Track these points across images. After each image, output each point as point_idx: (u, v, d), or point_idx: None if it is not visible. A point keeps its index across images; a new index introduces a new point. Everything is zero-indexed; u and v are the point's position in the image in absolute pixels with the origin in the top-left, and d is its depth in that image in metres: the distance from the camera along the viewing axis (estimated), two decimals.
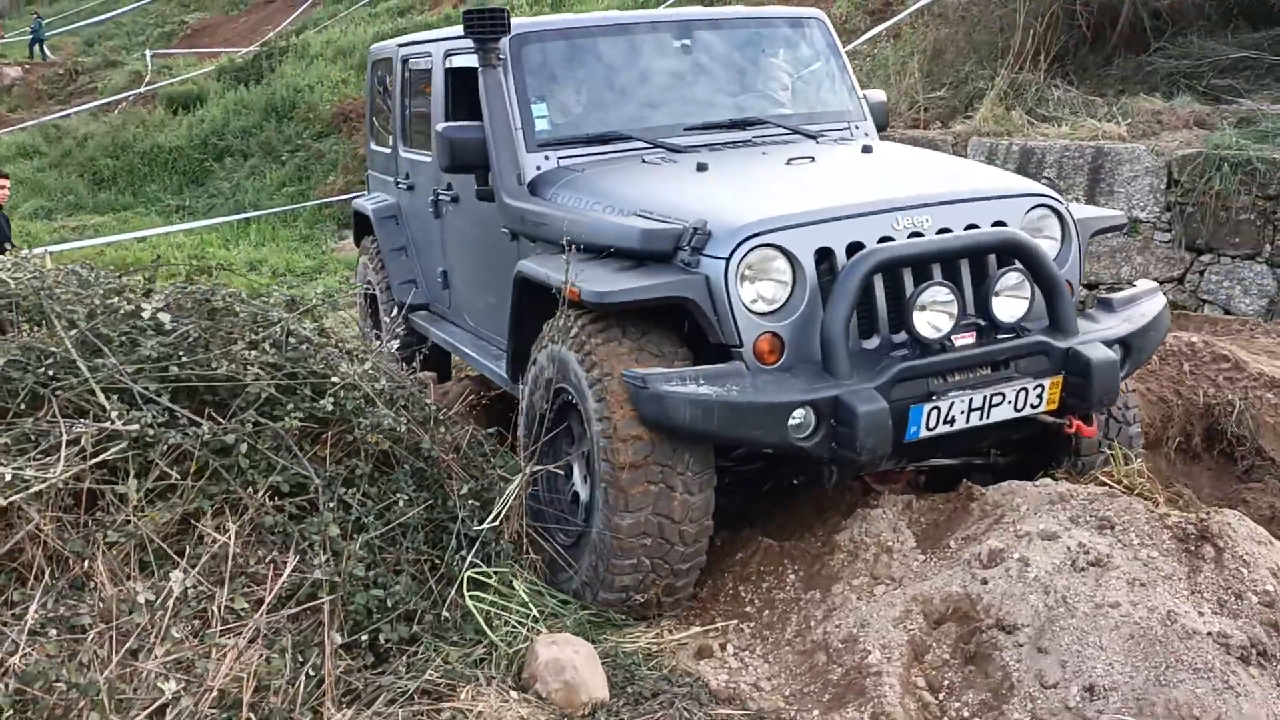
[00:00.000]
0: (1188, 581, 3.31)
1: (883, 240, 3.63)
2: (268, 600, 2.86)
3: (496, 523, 3.59)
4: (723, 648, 3.56)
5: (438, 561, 3.53)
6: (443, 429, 3.97)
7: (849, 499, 4.06)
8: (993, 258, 3.76)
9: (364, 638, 3.14)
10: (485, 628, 3.23)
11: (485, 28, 4.44)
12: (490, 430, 4.17)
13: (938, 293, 3.57)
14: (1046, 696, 3.07)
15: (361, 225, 6.75)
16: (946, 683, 3.23)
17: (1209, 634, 3.11)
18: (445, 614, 3.29)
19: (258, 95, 19.52)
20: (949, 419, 3.57)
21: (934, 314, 3.58)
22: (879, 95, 5.36)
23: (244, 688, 2.64)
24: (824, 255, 3.61)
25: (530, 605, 3.38)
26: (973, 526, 3.66)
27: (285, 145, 18.06)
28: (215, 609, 2.82)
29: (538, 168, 4.49)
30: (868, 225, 3.66)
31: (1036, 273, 3.71)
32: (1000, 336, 3.70)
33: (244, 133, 18.79)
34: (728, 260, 3.50)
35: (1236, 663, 3.06)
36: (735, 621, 3.68)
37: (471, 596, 3.32)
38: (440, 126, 4.62)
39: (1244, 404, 5.10)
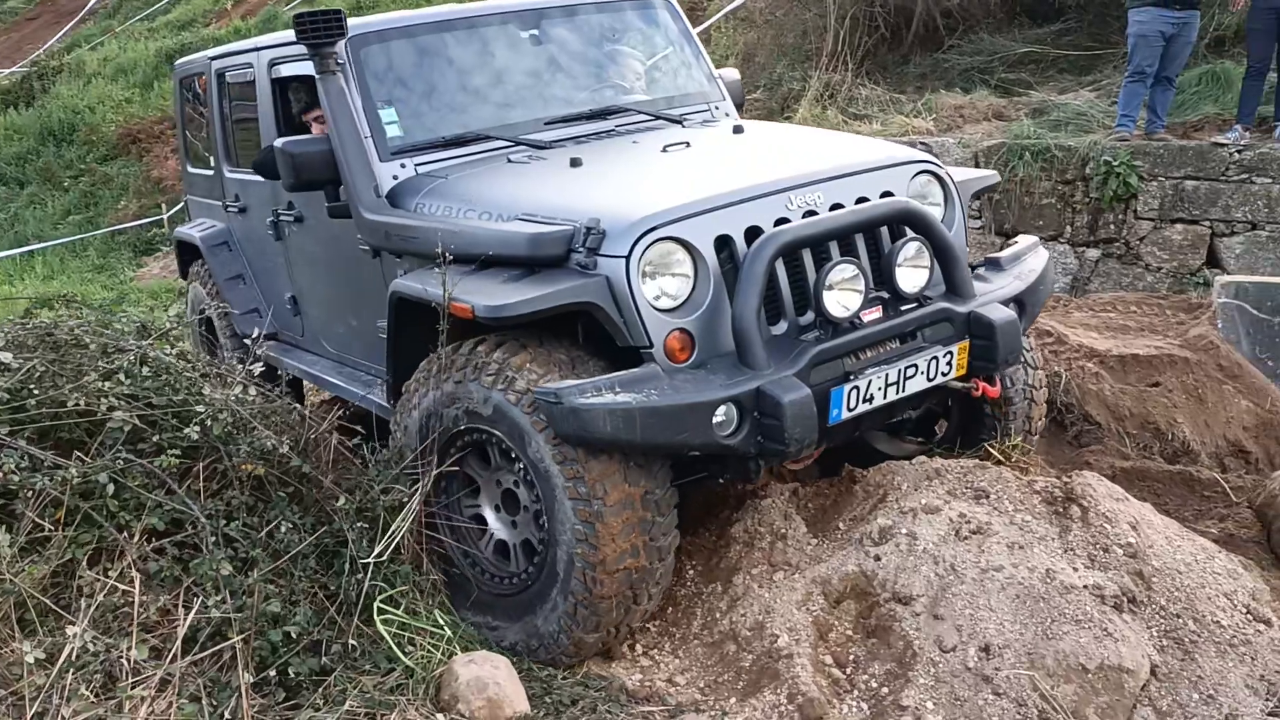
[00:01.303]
0: (1060, 541, 3.53)
1: (779, 222, 3.53)
2: (177, 646, 2.71)
3: (389, 547, 3.49)
4: (631, 648, 3.59)
5: (333, 588, 3.41)
6: (316, 448, 3.82)
7: (735, 491, 4.14)
8: (884, 229, 3.72)
9: (273, 674, 3.01)
10: (399, 653, 3.15)
11: (319, 31, 4.08)
12: (355, 441, 3.97)
13: (845, 270, 3.48)
14: (947, 660, 3.23)
15: (187, 254, 6.31)
16: (853, 657, 3.36)
17: (1085, 587, 3.34)
18: (354, 642, 3.19)
19: (30, 119, 18.24)
20: (868, 397, 3.52)
21: (842, 292, 3.50)
22: (733, 74, 5.23)
23: None
24: (723, 243, 3.48)
25: (444, 627, 3.30)
26: (858, 507, 3.81)
27: (67, 171, 16.96)
28: (124, 661, 2.65)
29: (394, 177, 4.20)
30: (763, 208, 3.55)
31: (931, 240, 3.68)
32: (904, 308, 3.66)
33: (18, 159, 17.53)
34: (628, 258, 3.32)
35: (1111, 611, 3.30)
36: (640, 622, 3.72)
37: (381, 621, 3.23)
38: (280, 143, 4.25)
39: (1069, 375, 5.47)
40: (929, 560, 3.44)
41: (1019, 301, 3.91)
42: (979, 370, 3.80)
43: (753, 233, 3.50)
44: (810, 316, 3.56)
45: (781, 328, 3.55)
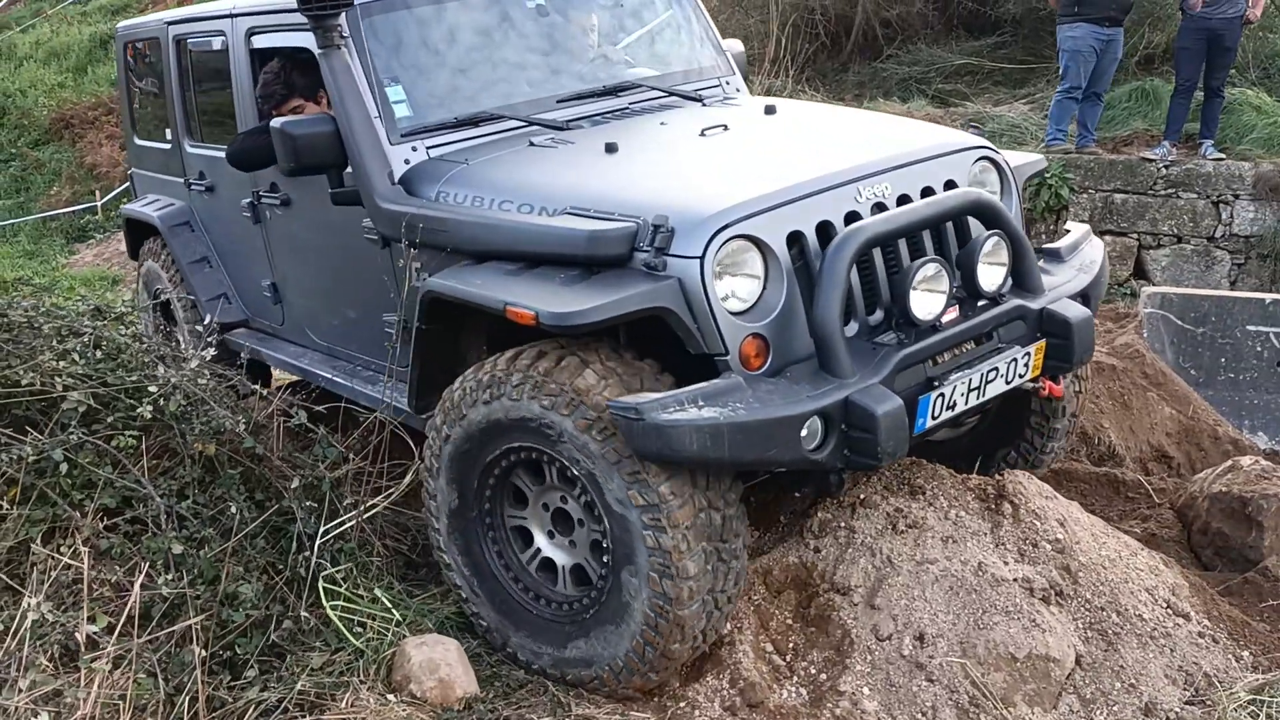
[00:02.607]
0: (992, 536, 3.66)
1: (850, 216, 3.28)
2: (129, 621, 2.73)
3: (341, 528, 3.53)
4: None
5: (280, 565, 3.44)
6: (267, 427, 3.83)
7: None
8: (950, 223, 3.49)
9: (223, 652, 3.05)
10: (349, 635, 3.19)
11: (324, 1, 3.69)
12: (299, 424, 3.82)
13: (929, 269, 3.21)
14: (883, 648, 3.35)
15: (138, 233, 5.90)
16: (793, 645, 3.46)
17: (1014, 580, 3.48)
18: (305, 614, 3.22)
19: None
20: (951, 404, 3.28)
21: (927, 293, 3.23)
22: (737, 46, 4.92)
23: (121, 713, 2.53)
24: (792, 240, 3.21)
25: (394, 610, 3.34)
26: (798, 502, 3.91)
27: None
28: (79, 636, 2.67)
29: (406, 161, 3.83)
30: (833, 201, 3.29)
31: (1005, 233, 3.44)
32: (979, 306, 3.42)
33: None
34: (702, 258, 3.04)
35: (1039, 603, 3.44)
36: None
37: (329, 604, 3.27)
38: (279, 123, 3.82)
39: None
40: (866, 553, 3.55)
41: (1083, 295, 3.68)
42: (1051, 371, 3.60)
43: (824, 228, 3.25)
44: (879, 316, 3.34)
45: (852, 329, 3.29)
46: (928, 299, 3.23)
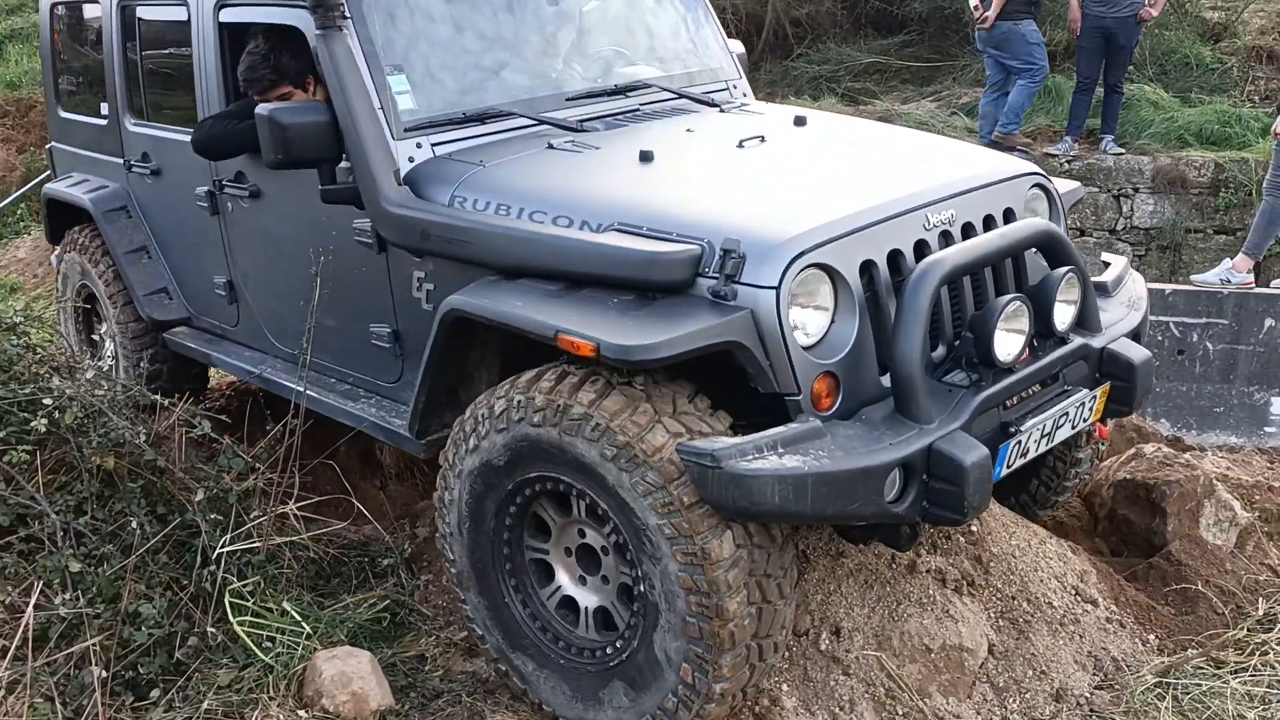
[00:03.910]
0: None
1: (918, 245, 3.06)
2: (31, 645, 2.63)
3: (249, 539, 3.45)
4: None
5: (184, 580, 3.34)
6: (169, 438, 3.73)
7: None
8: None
9: (126, 673, 2.96)
10: (257, 650, 3.12)
11: None
12: (202, 434, 3.70)
13: (1012, 306, 2.97)
14: (801, 644, 3.36)
15: (60, 217, 5.33)
16: None
17: (928, 571, 3.52)
18: (211, 630, 3.14)
19: None
20: (1025, 452, 3.06)
21: (1008, 333, 2.99)
22: (739, 47, 4.64)
23: None
24: (863, 269, 2.96)
25: (303, 623, 3.27)
26: None
27: None
28: None
29: (410, 160, 3.47)
30: (904, 228, 3.05)
31: (1076, 269, 3.24)
32: (1047, 345, 3.21)
33: None
34: (778, 288, 2.76)
35: (952, 594, 3.49)
36: None
37: (237, 620, 3.19)
38: (267, 110, 3.42)
39: None
40: None
41: (1134, 334, 3.48)
42: (1111, 415, 3.42)
43: (894, 257, 3.02)
44: (941, 352, 3.08)
45: None
46: (1008, 339, 3.00)
